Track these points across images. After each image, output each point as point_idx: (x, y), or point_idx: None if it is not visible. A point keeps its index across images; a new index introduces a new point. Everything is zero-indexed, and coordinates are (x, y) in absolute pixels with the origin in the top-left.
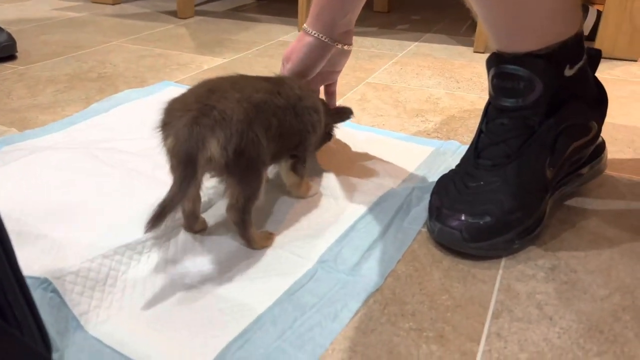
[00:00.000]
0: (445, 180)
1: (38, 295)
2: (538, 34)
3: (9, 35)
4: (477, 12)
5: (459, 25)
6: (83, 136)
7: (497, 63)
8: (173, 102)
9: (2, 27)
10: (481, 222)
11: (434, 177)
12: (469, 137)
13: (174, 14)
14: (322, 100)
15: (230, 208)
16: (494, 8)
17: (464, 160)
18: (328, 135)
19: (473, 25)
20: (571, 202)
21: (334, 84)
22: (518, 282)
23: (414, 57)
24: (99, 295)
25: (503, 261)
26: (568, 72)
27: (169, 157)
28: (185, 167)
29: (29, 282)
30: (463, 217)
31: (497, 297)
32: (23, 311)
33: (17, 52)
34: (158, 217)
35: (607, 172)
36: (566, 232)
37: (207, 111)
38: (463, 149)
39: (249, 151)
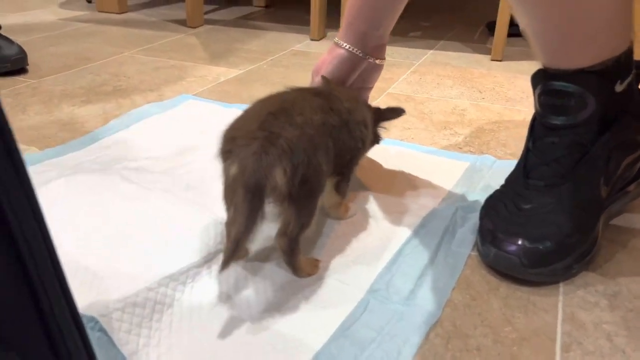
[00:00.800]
0: (494, 202)
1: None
2: (592, 49)
3: (20, 48)
4: (526, 26)
5: (472, 32)
6: (106, 154)
7: (545, 79)
8: (233, 128)
9: (12, 39)
10: (541, 247)
11: (474, 195)
12: (502, 150)
13: (182, 22)
14: (367, 104)
15: (281, 235)
16: (549, 22)
17: (512, 179)
18: (376, 138)
19: (486, 32)
20: (618, 221)
21: (366, 99)
22: (582, 311)
23: (431, 65)
24: (147, 332)
25: (561, 287)
26: (618, 88)
27: (230, 185)
28: (253, 198)
29: None
30: (520, 242)
31: (563, 328)
32: (81, 355)
33: (27, 65)
34: (232, 255)
35: None
36: (619, 253)
37: (274, 140)
38: (499, 164)
39: (312, 179)
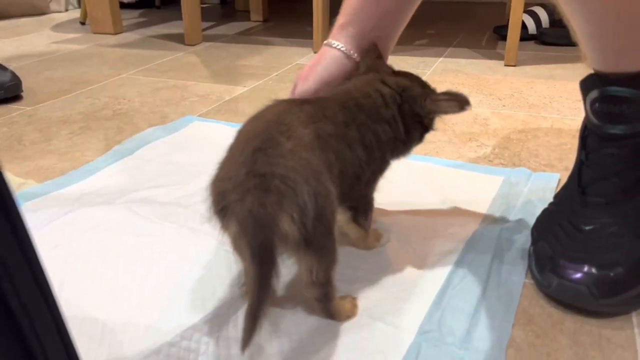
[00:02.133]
0: (548, 222)
1: None
2: None
3: (13, 74)
4: (580, 28)
5: (478, 37)
6: (110, 185)
7: (600, 85)
8: (221, 180)
9: (5, 65)
10: (612, 274)
11: (515, 214)
12: (535, 162)
13: (180, 40)
14: (420, 81)
15: (309, 285)
16: (605, 22)
17: (565, 196)
18: (426, 129)
19: (493, 37)
20: None
21: None
22: None
23: (443, 74)
24: None
25: (634, 318)
26: None
27: (234, 244)
28: (262, 262)
29: None
30: (587, 269)
31: None
32: None
33: (22, 91)
34: (252, 330)
35: None
36: None
37: (268, 185)
38: (536, 177)
39: (326, 212)
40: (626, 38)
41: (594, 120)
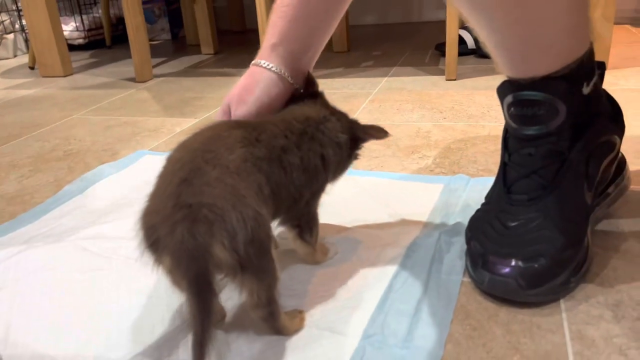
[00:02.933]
0: (479, 222)
1: None
2: (555, 53)
3: None
4: (487, 38)
5: (422, 56)
6: (61, 224)
7: (513, 90)
8: (148, 212)
9: None
10: (536, 265)
11: (455, 217)
12: (474, 167)
13: (131, 79)
14: (342, 115)
15: (253, 307)
16: (507, 31)
17: (493, 197)
18: (355, 156)
19: (436, 54)
20: (604, 226)
21: None
22: (588, 326)
23: (388, 92)
24: None
25: (562, 304)
26: (585, 90)
27: (170, 277)
28: (200, 292)
29: None
30: (514, 262)
31: (574, 349)
32: None
33: None
34: (201, 358)
35: (632, 187)
36: (613, 259)
37: (195, 214)
38: (474, 182)
39: (259, 234)
40: (527, 45)
41: (511, 123)
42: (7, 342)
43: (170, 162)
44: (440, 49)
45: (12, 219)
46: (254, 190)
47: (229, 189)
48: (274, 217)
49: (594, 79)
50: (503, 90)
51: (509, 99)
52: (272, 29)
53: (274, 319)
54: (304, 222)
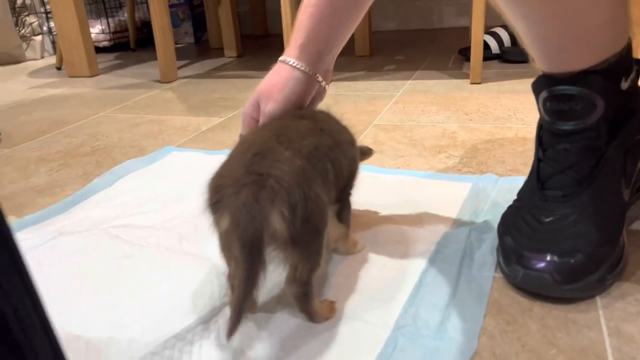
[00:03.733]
0: (512, 218)
1: None
2: (594, 47)
3: None
4: (524, 32)
5: (445, 60)
6: (91, 215)
7: (549, 85)
8: (220, 176)
9: None
10: (572, 261)
11: (484, 215)
12: (502, 168)
13: (156, 79)
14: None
15: (291, 282)
16: (545, 23)
17: (526, 192)
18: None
19: (459, 58)
20: (637, 224)
21: None
22: (626, 323)
23: (412, 94)
24: None
25: (598, 301)
26: (624, 85)
27: (225, 239)
28: (251, 254)
29: None
30: (549, 257)
31: (612, 344)
32: None
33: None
34: (237, 321)
35: None
36: None
37: (264, 183)
38: (503, 181)
39: (314, 214)
40: (564, 38)
41: (546, 118)
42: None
43: (244, 142)
44: (464, 53)
45: (43, 209)
46: (321, 176)
47: (297, 169)
48: (334, 202)
49: (632, 75)
50: (538, 85)
51: (544, 93)
52: (299, 28)
53: (307, 300)
54: (345, 202)
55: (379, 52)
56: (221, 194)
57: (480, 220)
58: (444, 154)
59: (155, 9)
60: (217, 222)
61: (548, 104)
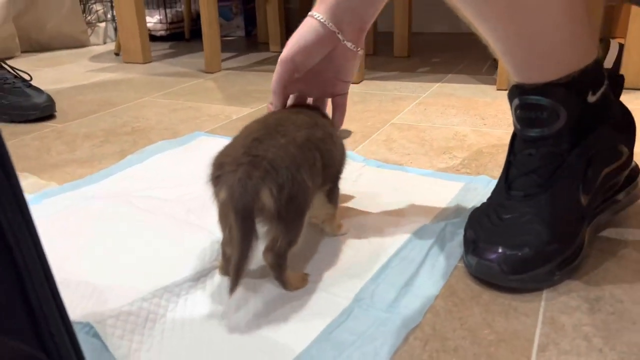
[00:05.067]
0: (478, 214)
1: (81, 340)
2: (557, 62)
3: (49, 97)
4: (494, 46)
5: (480, 66)
6: (119, 186)
7: (519, 94)
8: (222, 155)
9: (42, 89)
10: (519, 254)
11: (466, 213)
12: (499, 172)
13: (201, 69)
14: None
15: (268, 251)
16: (509, 40)
17: (495, 192)
18: None
19: (494, 65)
20: (609, 231)
21: (343, 96)
22: (562, 315)
23: (437, 97)
24: (139, 338)
25: (544, 293)
26: (591, 99)
27: (222, 210)
28: (244, 222)
29: None
30: (500, 250)
31: (542, 330)
32: (70, 355)
33: (55, 112)
34: (236, 280)
35: None
36: (607, 262)
37: (258, 163)
38: (494, 183)
39: (299, 196)
40: (530, 54)
41: (517, 125)
42: (61, 269)
43: (247, 128)
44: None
45: (81, 178)
46: (309, 163)
47: (290, 155)
48: (322, 186)
49: (602, 89)
50: (512, 94)
51: (516, 102)
52: None
53: (280, 271)
54: (332, 186)
55: (418, 53)
56: (222, 170)
57: (461, 216)
58: (448, 154)
59: (205, 2)
60: (216, 194)
61: (518, 111)
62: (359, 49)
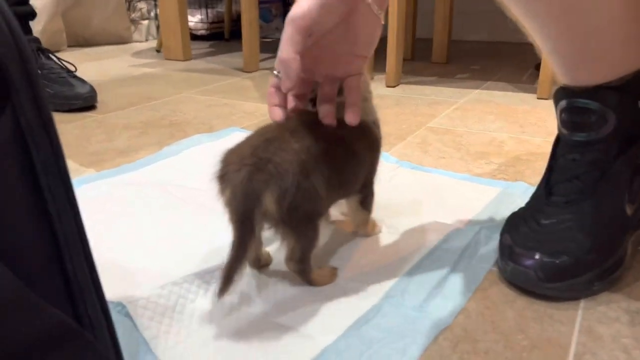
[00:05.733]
0: (516, 219)
1: (113, 318)
2: (610, 64)
3: (91, 88)
4: (542, 45)
5: (520, 74)
6: (156, 176)
7: (566, 97)
8: (230, 153)
9: (85, 80)
10: (557, 262)
11: (502, 218)
12: (537, 179)
13: (239, 68)
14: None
15: (288, 260)
16: (559, 38)
17: (535, 197)
18: None
19: (535, 73)
20: None
21: (358, 77)
22: (600, 325)
23: (475, 103)
24: (168, 321)
25: (582, 302)
26: None
27: (226, 209)
28: (243, 226)
29: None
30: (537, 256)
31: (578, 339)
32: (101, 325)
33: (97, 102)
34: (226, 283)
35: None
36: None
37: (263, 165)
38: (531, 190)
39: (305, 205)
40: (580, 53)
41: (562, 128)
42: (96, 250)
43: (262, 128)
44: (539, 68)
45: (118, 167)
46: (324, 175)
47: (299, 161)
48: (345, 194)
49: None
50: (557, 96)
51: (562, 104)
52: None
53: (305, 275)
54: (365, 193)
55: (456, 60)
56: (227, 169)
57: (497, 222)
58: (484, 160)
59: (246, 4)
60: (221, 192)
61: (564, 114)
62: (381, 13)
